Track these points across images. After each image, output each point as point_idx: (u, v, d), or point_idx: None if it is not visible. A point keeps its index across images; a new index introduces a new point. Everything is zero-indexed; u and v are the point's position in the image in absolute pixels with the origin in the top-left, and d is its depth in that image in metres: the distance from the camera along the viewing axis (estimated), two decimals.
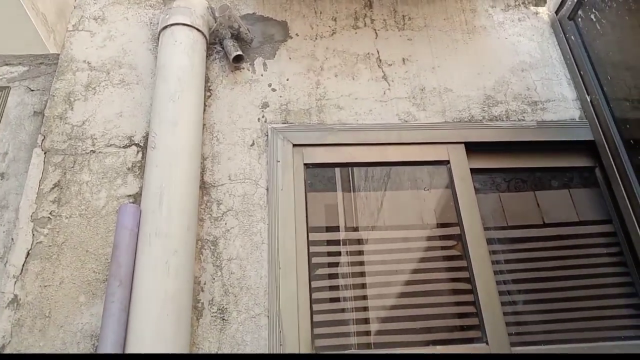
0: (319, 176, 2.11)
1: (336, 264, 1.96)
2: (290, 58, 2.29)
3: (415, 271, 1.95)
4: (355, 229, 2.04)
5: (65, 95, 2.10)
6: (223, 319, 1.75)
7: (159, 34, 2.12)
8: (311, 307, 1.82)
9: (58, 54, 2.25)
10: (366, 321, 1.87)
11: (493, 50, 2.39)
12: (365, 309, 1.89)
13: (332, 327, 1.84)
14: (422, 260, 1.98)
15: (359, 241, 2.02)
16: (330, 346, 1.79)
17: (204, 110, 2.10)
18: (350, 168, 2.14)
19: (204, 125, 2.07)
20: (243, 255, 1.86)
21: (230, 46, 2.18)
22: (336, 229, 2.03)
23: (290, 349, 1.71)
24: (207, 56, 2.19)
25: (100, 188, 1.92)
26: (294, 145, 2.08)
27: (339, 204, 2.08)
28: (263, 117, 2.13)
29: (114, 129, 2.04)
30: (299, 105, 2.17)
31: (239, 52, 2.16)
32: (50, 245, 1.81)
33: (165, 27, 2.08)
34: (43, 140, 2.00)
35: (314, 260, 1.93)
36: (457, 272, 1.94)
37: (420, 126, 2.15)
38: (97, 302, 1.73)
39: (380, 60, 2.33)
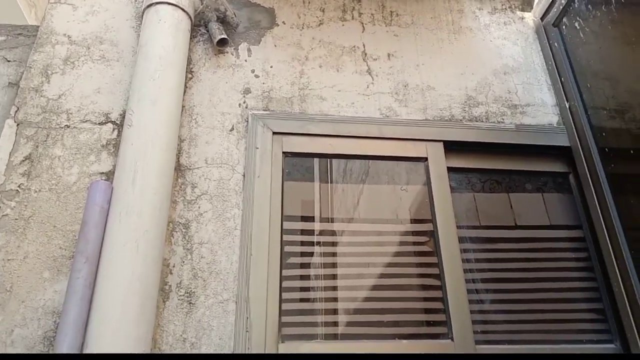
0: (297, 165, 2.10)
1: (308, 254, 1.96)
2: (275, 45, 2.28)
3: (387, 265, 1.96)
4: (330, 220, 2.04)
5: (42, 67, 2.05)
6: (190, 303, 1.73)
7: (142, 12, 2.09)
8: (280, 295, 1.81)
9: (37, 26, 2.20)
10: (335, 312, 1.87)
11: (477, 52, 2.41)
12: (334, 299, 1.89)
13: (300, 316, 1.83)
14: (394, 254, 1.99)
15: (333, 232, 2.01)
16: (297, 335, 1.78)
17: (185, 92, 2.07)
18: (329, 159, 2.13)
19: (183, 107, 2.04)
20: (215, 240, 1.85)
21: (215, 29, 2.16)
22: (311, 219, 2.03)
23: (257, 335, 1.70)
24: (191, 38, 2.16)
25: (73, 164, 1.88)
26: (274, 132, 2.06)
27: (315, 194, 2.07)
28: (244, 102, 2.11)
29: (90, 104, 2.00)
30: (281, 93, 2.16)
31: (224, 36, 2.14)
32: (16, 219, 1.77)
33: (150, 4, 2.05)
34: (16, 111, 1.95)
35: (287, 249, 1.92)
36: (428, 268, 1.96)
37: (401, 122, 2.16)
38: (62, 278, 1.70)
39: (365, 54, 2.32)
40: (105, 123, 1.97)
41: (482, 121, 2.22)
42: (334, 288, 1.91)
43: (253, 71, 2.19)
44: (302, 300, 1.87)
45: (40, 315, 1.64)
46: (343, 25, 2.39)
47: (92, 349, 1.47)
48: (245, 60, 2.22)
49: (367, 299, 1.89)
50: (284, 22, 2.35)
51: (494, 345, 1.86)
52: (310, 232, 2.00)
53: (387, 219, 2.06)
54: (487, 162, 2.20)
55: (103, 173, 1.88)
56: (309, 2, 2.43)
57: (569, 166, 2.25)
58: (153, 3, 2.04)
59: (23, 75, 2.03)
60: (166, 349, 1.65)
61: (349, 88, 2.21)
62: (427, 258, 1.98)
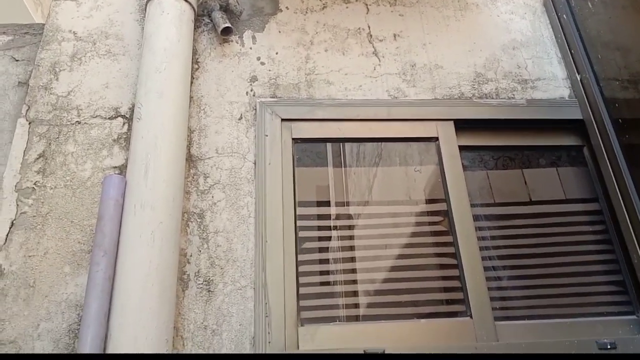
0: (307, 151, 2.10)
1: (323, 238, 1.96)
2: (279, 32, 2.27)
3: (403, 246, 1.96)
4: (344, 204, 2.04)
5: (50, 65, 2.07)
6: (209, 291, 1.75)
7: (146, 5, 2.08)
8: (297, 280, 1.82)
9: (43, 24, 2.21)
10: (353, 294, 1.87)
11: (485, 28, 2.37)
12: (352, 282, 1.89)
13: (319, 300, 1.84)
14: (409, 235, 1.99)
15: (347, 216, 2.01)
16: (316, 318, 1.80)
17: (192, 82, 2.07)
18: (340, 144, 2.13)
19: (191, 98, 2.05)
20: (230, 228, 1.86)
21: (218, 18, 2.15)
22: (324, 204, 2.03)
23: (276, 319, 1.71)
24: (195, 28, 2.16)
25: (86, 159, 1.90)
26: (283, 119, 2.06)
27: (327, 179, 2.07)
28: (251, 90, 2.11)
29: (99, 100, 2.01)
30: (288, 80, 2.15)
31: (228, 25, 2.13)
32: (34, 216, 1.79)
33: None
34: (27, 110, 1.97)
35: (302, 234, 1.93)
36: (443, 247, 1.95)
37: (410, 103, 2.14)
38: (82, 272, 1.72)
39: (371, 36, 2.30)
40: (115, 117, 1.98)
41: (493, 98, 2.20)
42: (351, 271, 1.91)
43: (259, 58, 2.19)
44: (319, 284, 1.88)
45: (64, 308, 1.67)
46: (347, 7, 2.37)
47: (115, 339, 1.50)
48: (251, 48, 2.21)
49: (384, 280, 1.90)
50: (287, 8, 2.33)
51: (512, 321, 1.86)
52: (324, 217, 2.01)
53: (401, 200, 2.05)
54: (499, 139, 2.18)
55: (116, 167, 1.89)
56: None
57: (583, 139, 2.22)
58: None
59: (32, 74, 2.05)
60: (188, 337, 1.67)
61: (356, 71, 2.20)
62: (443, 237, 1.97)
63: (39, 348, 1.61)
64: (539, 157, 2.20)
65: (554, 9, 2.43)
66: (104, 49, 2.12)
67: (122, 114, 1.99)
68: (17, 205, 1.81)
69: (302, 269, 1.86)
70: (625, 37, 2.06)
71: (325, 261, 1.92)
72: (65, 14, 2.19)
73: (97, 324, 1.50)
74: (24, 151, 1.89)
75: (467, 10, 2.41)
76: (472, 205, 2.01)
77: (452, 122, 2.13)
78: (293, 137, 2.05)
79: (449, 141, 2.09)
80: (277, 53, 2.21)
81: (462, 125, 2.14)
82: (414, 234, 1.99)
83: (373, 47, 2.27)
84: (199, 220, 1.86)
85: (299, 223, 1.93)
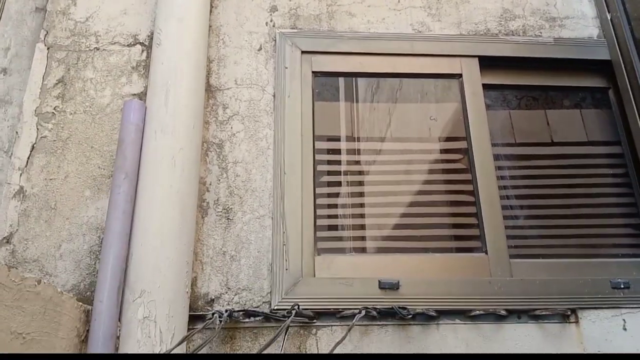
0: (327, 85, 2.06)
1: (341, 173, 1.96)
2: None
3: (421, 182, 1.95)
4: (363, 140, 2.02)
5: None
6: (228, 219, 1.77)
7: None
8: (315, 212, 1.83)
9: None
10: (368, 227, 1.89)
11: None
12: (369, 216, 1.90)
13: (335, 232, 1.86)
14: (428, 172, 1.98)
15: (366, 151, 2.00)
16: (333, 248, 1.82)
17: (211, 11, 2.02)
18: (360, 78, 2.09)
19: (210, 27, 2.00)
20: (248, 159, 1.86)
21: None
22: (343, 138, 2.01)
23: (293, 248, 1.73)
24: None
25: (105, 86, 1.89)
26: (303, 52, 2.02)
27: (346, 114, 2.05)
28: (271, 21, 2.06)
29: (118, 26, 1.98)
30: (308, 11, 2.09)
31: None
32: (54, 140, 1.80)
33: None
34: (46, 35, 1.94)
35: (320, 167, 1.92)
36: (462, 184, 1.94)
37: (434, 37, 2.09)
38: (103, 196, 1.74)
39: None
40: (134, 45, 1.95)
41: (519, 35, 2.13)
42: (368, 205, 1.92)
43: None
44: (336, 216, 1.89)
45: (85, 231, 1.70)
46: None
47: (137, 258, 1.53)
48: None
49: (400, 215, 1.90)
50: None
51: (527, 259, 1.87)
52: (342, 152, 2.00)
53: (421, 137, 2.03)
54: (524, 78, 2.13)
55: (135, 94, 1.88)
56: None
57: (609, 81, 2.16)
58: None
59: None
60: (207, 262, 1.70)
61: (379, 3, 2.13)
62: (461, 175, 1.96)
63: (61, 267, 1.65)
64: (562, 98, 2.15)
65: None
66: None
67: (141, 41, 1.96)
68: (37, 129, 1.81)
69: (319, 201, 1.87)
70: None
71: (343, 195, 1.93)
72: None
73: (119, 244, 1.53)
74: (43, 76, 1.88)
75: None
76: (493, 145, 1.98)
77: (476, 59, 2.07)
78: (313, 70, 2.02)
79: (473, 78, 2.05)
80: None
81: (487, 63, 2.08)
82: (432, 171, 1.98)
83: None
84: (218, 150, 1.86)
85: (317, 157, 1.93)
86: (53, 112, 1.83)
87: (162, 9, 1.85)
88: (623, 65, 2.10)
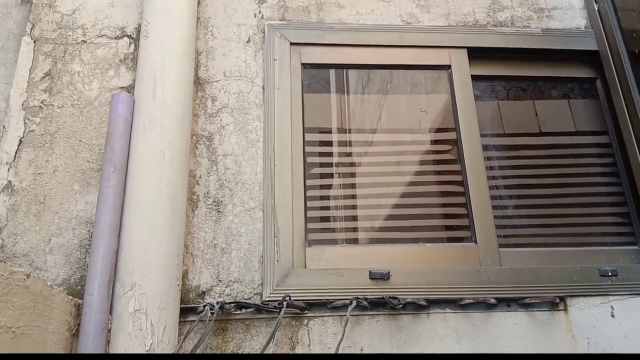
0: (316, 77, 2.06)
1: (331, 165, 1.96)
2: None
3: (410, 173, 1.96)
4: (353, 132, 2.02)
5: None
6: (218, 211, 1.77)
7: None
8: (305, 203, 1.83)
9: None
10: (359, 219, 1.89)
11: None
12: (360, 207, 1.91)
13: (326, 223, 1.87)
14: (417, 163, 1.98)
15: (356, 143, 2.01)
16: (323, 240, 1.82)
17: (199, 3, 2.01)
18: (350, 70, 2.09)
19: (198, 19, 1.99)
20: (238, 152, 1.85)
21: None
22: (334, 130, 2.01)
23: (284, 240, 1.74)
24: None
25: (93, 79, 1.87)
26: (292, 43, 2.02)
27: (336, 106, 2.05)
28: (260, 12, 2.05)
29: (105, 19, 1.96)
30: (297, 2, 2.09)
31: None
32: (42, 134, 1.79)
33: None
34: (32, 28, 1.92)
35: (310, 159, 1.93)
36: (451, 175, 1.95)
37: (423, 29, 2.09)
38: (92, 190, 1.73)
39: None
40: (122, 37, 1.94)
41: (507, 26, 2.14)
42: (358, 196, 1.92)
43: None
44: (327, 208, 1.90)
45: (75, 225, 1.69)
46: None
47: (127, 251, 1.52)
48: None
49: (390, 206, 1.91)
50: None
51: (517, 248, 1.88)
52: (332, 144, 2.00)
53: (410, 128, 2.03)
54: (512, 69, 2.14)
55: (123, 87, 1.87)
56: None
57: (597, 71, 2.18)
58: None
59: None
60: (197, 254, 1.70)
61: None
62: (451, 166, 1.97)
63: (51, 262, 1.64)
64: (551, 88, 2.17)
65: None
66: None
67: (128, 33, 1.95)
68: (25, 123, 1.80)
69: (310, 193, 1.87)
70: None
71: (334, 186, 1.93)
72: None
73: (108, 237, 1.52)
74: (30, 70, 1.86)
75: None
76: (482, 135, 2.00)
77: (465, 50, 2.08)
78: (302, 62, 2.01)
79: (462, 69, 2.06)
80: None
81: (475, 54, 2.09)
82: (421, 162, 1.99)
83: None
84: (207, 143, 1.86)
85: (308, 149, 1.93)
86: (40, 106, 1.82)
87: (149, 1, 1.83)
88: (610, 56, 2.12)
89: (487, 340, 1.67)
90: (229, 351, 1.59)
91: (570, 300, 1.75)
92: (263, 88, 1.94)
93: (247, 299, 1.66)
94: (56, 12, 1.95)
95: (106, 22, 1.96)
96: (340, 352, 1.53)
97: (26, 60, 1.87)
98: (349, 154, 1.98)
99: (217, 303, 1.59)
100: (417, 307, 1.68)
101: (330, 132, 2.01)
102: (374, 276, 1.72)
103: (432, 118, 2.05)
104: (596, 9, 2.18)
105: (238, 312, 1.62)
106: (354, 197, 1.92)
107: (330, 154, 1.97)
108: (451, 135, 2.00)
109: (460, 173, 1.94)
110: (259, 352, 1.55)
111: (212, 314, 1.56)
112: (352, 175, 1.95)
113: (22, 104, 1.82)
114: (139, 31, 1.91)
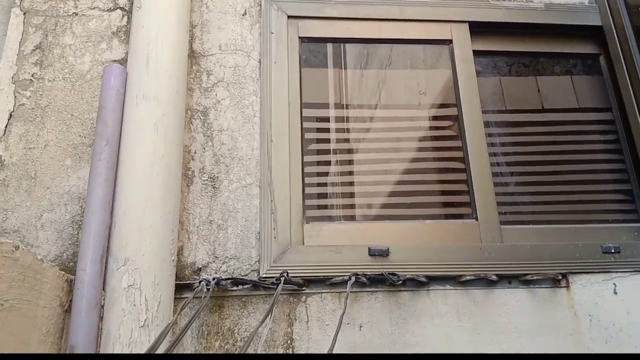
0: (314, 52, 2.01)
1: (330, 141, 1.92)
2: None
3: (409, 149, 1.92)
4: (352, 107, 1.98)
5: None
6: (214, 187, 1.73)
7: None
8: (303, 180, 1.79)
9: None
10: (357, 195, 1.86)
11: None
12: (358, 184, 1.87)
13: (324, 200, 1.83)
14: (418, 139, 1.94)
15: (355, 119, 1.96)
16: (321, 216, 1.79)
17: None
18: (347, 44, 2.04)
19: None
20: (234, 127, 1.81)
21: None
22: (332, 105, 1.97)
23: (282, 216, 1.70)
24: None
25: (84, 52, 1.82)
26: (289, 16, 1.96)
27: (335, 81, 2.00)
28: None
29: None
30: None
31: None
32: (33, 108, 1.74)
33: None
34: (22, 0, 1.87)
35: (308, 135, 1.88)
36: (452, 151, 1.92)
37: (424, 2, 2.04)
38: (84, 165, 1.69)
39: None
40: (114, 9, 1.88)
41: (510, 0, 2.09)
42: (357, 173, 1.88)
43: None
44: (325, 184, 1.86)
45: (67, 200, 1.65)
46: None
47: (120, 226, 1.48)
48: None
49: (391, 182, 1.88)
50: None
51: (518, 225, 1.85)
52: (332, 119, 1.95)
53: (411, 104, 1.99)
54: (514, 44, 2.10)
55: (116, 61, 1.82)
56: None
57: (600, 47, 2.14)
58: None
59: None
60: (193, 230, 1.67)
61: None
62: (452, 142, 1.93)
63: (43, 238, 1.60)
64: (553, 64, 2.12)
65: None
66: None
67: (121, 5, 1.89)
68: (15, 97, 1.75)
69: (307, 169, 1.83)
70: None
71: (332, 162, 1.89)
72: None
73: (101, 211, 1.48)
74: (20, 42, 1.81)
75: None
76: (483, 112, 1.96)
77: (467, 25, 2.03)
78: (300, 35, 1.96)
79: (463, 44, 2.01)
80: None
81: (477, 29, 2.04)
82: (422, 138, 1.95)
83: None
84: (202, 117, 1.81)
85: (305, 124, 1.89)
86: (31, 79, 1.77)
87: None
88: (614, 31, 2.07)
89: (488, 317, 1.64)
90: (225, 328, 1.56)
91: (572, 277, 1.72)
92: (260, 62, 1.89)
93: (244, 276, 1.62)
94: None
95: None
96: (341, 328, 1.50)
97: (16, 33, 1.82)
98: (348, 130, 1.94)
99: (214, 279, 1.55)
100: (416, 284, 1.65)
101: (328, 107, 1.97)
102: (373, 252, 1.68)
103: (433, 94, 2.00)
104: None
105: (235, 288, 1.59)
106: (352, 173, 1.88)
107: (328, 130, 1.93)
108: (452, 111, 1.96)
109: (461, 149, 1.90)
110: (254, 328, 1.51)
111: (208, 289, 1.53)
112: (351, 151, 1.91)
113: (12, 77, 1.76)
114: (132, 3, 1.85)
